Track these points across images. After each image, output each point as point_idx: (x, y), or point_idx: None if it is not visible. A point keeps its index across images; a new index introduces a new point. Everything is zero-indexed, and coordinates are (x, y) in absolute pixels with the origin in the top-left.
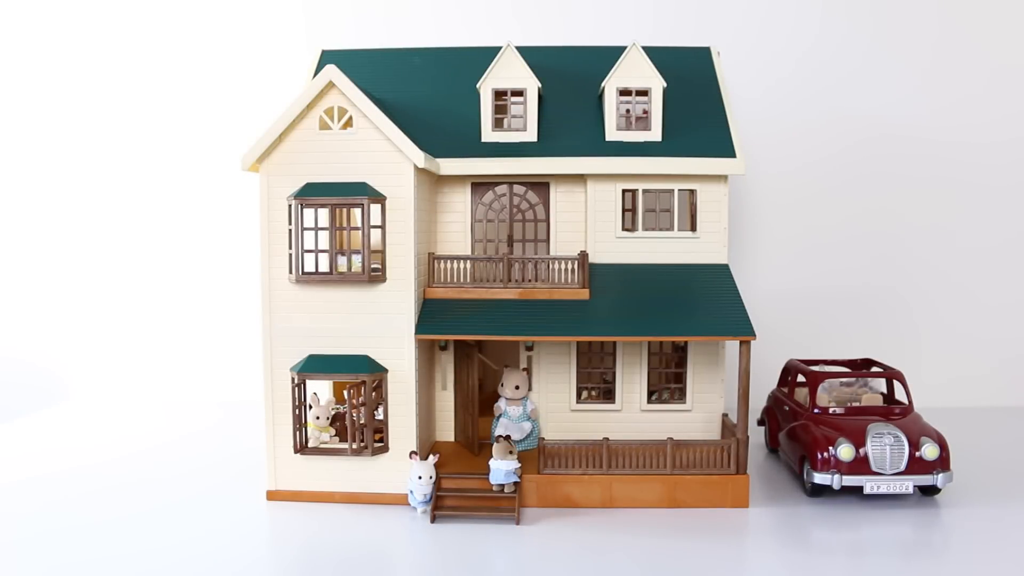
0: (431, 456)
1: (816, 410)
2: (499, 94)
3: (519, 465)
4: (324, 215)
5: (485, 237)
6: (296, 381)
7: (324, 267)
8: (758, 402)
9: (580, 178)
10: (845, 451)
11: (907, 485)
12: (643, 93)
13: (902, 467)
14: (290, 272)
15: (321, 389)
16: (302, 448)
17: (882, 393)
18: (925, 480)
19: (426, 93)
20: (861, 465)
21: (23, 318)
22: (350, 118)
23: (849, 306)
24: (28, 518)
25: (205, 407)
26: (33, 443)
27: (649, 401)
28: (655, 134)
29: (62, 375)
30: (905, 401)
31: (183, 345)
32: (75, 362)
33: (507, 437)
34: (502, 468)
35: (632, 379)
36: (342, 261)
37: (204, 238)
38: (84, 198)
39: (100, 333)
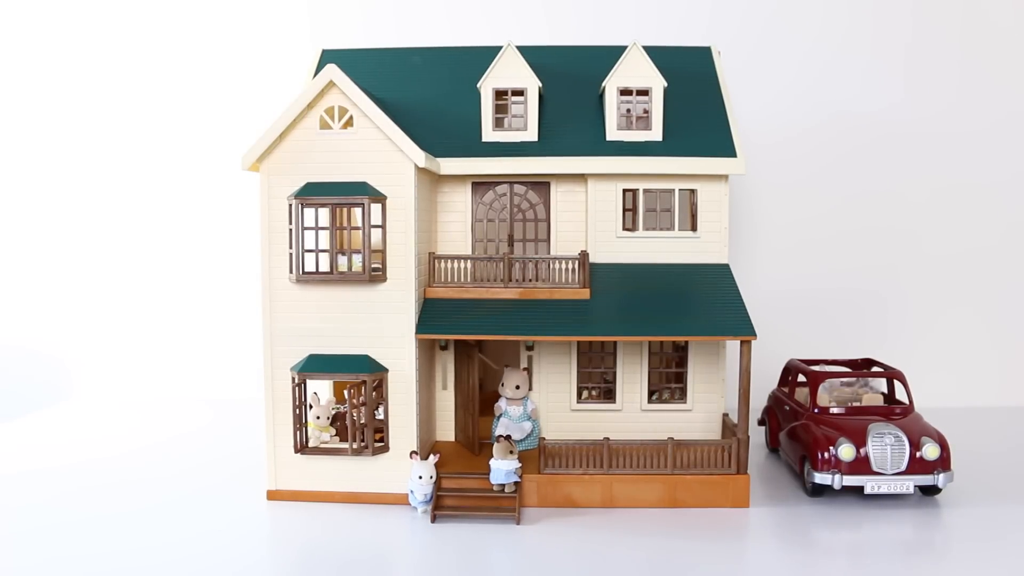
0: (431, 456)
1: (817, 410)
2: (500, 93)
3: (519, 465)
4: (324, 215)
5: (485, 237)
6: (296, 381)
7: (324, 267)
8: (758, 402)
9: (581, 178)
10: (846, 451)
11: (908, 485)
12: (644, 93)
13: (903, 467)
14: (290, 272)
15: (321, 389)
16: (302, 448)
17: (883, 393)
18: (926, 480)
19: (426, 93)
20: (862, 465)
21: (26, 318)
22: (351, 118)
23: (850, 306)
24: (29, 515)
25: (206, 405)
26: (37, 440)
27: (650, 401)
28: (656, 134)
29: (66, 373)
30: (906, 401)
31: (185, 344)
32: (78, 360)
33: (507, 437)
34: (502, 468)
35: (632, 379)
36: (342, 261)
37: (204, 238)
38: (85, 197)
39: (103, 332)
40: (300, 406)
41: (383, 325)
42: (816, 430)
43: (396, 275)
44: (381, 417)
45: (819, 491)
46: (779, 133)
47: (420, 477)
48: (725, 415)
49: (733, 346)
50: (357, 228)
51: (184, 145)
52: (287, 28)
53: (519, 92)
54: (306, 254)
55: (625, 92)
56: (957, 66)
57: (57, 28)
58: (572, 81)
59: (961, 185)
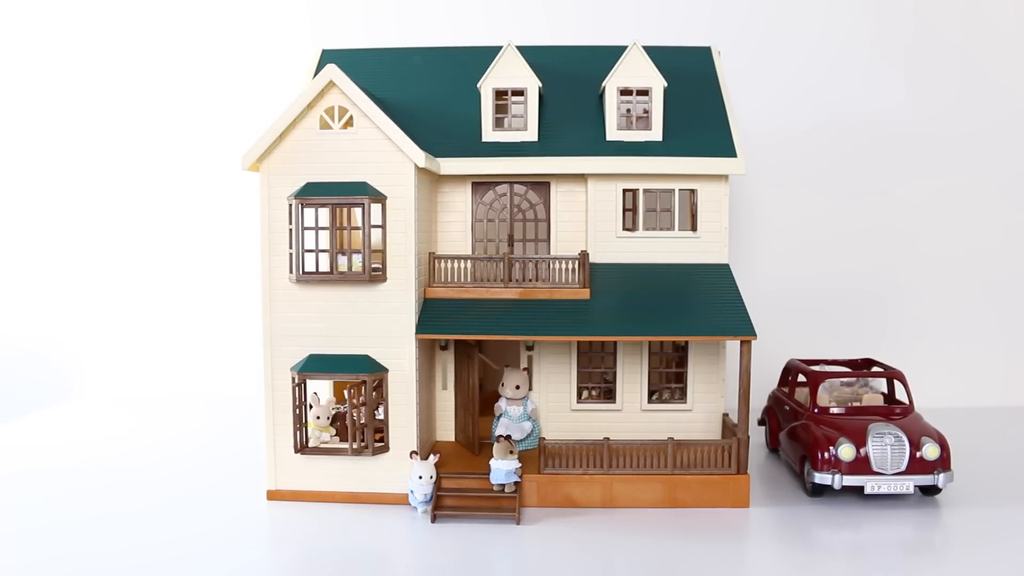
0: (431, 456)
1: (817, 410)
2: (500, 93)
3: (520, 465)
4: (324, 215)
5: (485, 237)
6: (296, 381)
7: (324, 267)
8: (758, 402)
9: (581, 178)
10: (846, 451)
11: (908, 485)
12: (644, 93)
13: (903, 467)
14: (290, 272)
15: (321, 389)
16: (302, 448)
17: (883, 393)
18: (926, 480)
19: (426, 93)
20: (862, 465)
21: (26, 318)
22: (351, 117)
23: (850, 306)
24: (29, 515)
25: (206, 405)
26: (37, 439)
27: (650, 401)
28: (656, 134)
29: (66, 373)
30: (906, 401)
31: (185, 344)
32: (79, 360)
33: (508, 437)
34: (503, 468)
35: (633, 379)
36: (342, 261)
37: (205, 238)
38: (86, 197)
39: (103, 332)
40: (300, 406)
41: (383, 325)
42: (816, 430)
43: (396, 275)
44: (381, 417)
45: (819, 491)
46: (779, 133)
47: (420, 477)
48: (725, 415)
49: (733, 346)
50: (357, 228)
51: (185, 145)
52: (287, 28)
53: (519, 92)
54: (306, 254)
55: (625, 92)
56: (957, 67)
57: (58, 28)
58: (572, 81)
59: (961, 185)
